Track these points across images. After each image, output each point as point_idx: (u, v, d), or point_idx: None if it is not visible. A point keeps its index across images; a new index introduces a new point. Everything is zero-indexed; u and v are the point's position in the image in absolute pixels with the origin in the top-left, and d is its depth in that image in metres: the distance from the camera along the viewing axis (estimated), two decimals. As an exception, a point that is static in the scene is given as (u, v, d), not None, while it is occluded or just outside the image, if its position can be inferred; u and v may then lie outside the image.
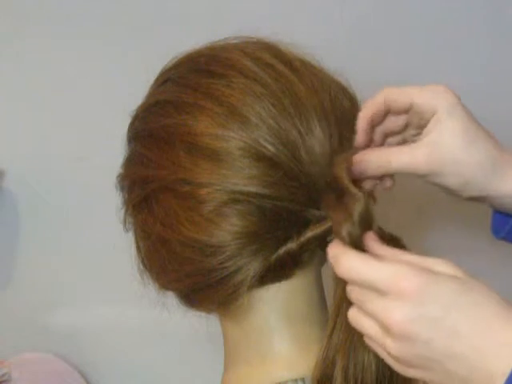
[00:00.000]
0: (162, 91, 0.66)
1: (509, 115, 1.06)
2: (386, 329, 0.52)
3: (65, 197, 1.13)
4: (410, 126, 0.64)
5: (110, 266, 1.01)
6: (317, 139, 0.61)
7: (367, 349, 0.58)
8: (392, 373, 0.58)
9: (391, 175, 0.65)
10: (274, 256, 0.61)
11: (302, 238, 0.60)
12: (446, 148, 0.59)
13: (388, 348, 0.53)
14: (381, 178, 0.64)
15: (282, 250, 0.61)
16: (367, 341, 0.56)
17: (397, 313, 0.51)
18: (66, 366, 1.16)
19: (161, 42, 1.01)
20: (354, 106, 0.65)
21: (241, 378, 0.66)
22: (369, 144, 0.64)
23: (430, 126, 0.60)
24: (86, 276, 1.15)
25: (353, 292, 0.55)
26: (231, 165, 0.59)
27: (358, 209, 0.55)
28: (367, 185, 0.64)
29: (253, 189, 0.59)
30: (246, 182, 0.59)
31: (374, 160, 0.61)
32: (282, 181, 0.60)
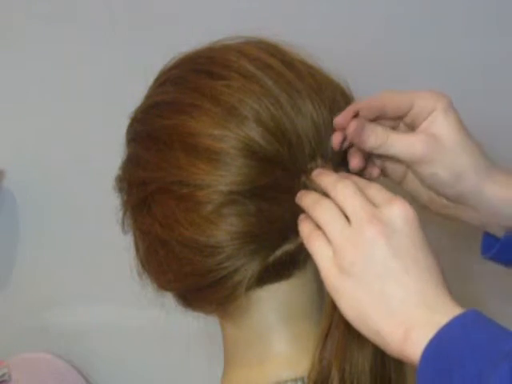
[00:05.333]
0: (161, 92, 0.66)
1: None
2: (364, 227, 0.55)
3: (65, 197, 1.13)
4: (399, 127, 0.66)
5: (109, 267, 1.01)
6: (314, 139, 0.61)
7: (362, 349, 0.59)
8: (386, 373, 0.58)
9: (379, 165, 0.66)
10: (272, 256, 0.61)
11: (300, 239, 0.60)
12: (444, 139, 0.62)
13: (345, 245, 0.55)
14: (369, 166, 0.66)
15: (279, 251, 0.61)
16: (311, 231, 0.58)
17: (384, 219, 0.55)
18: (66, 366, 1.17)
19: (161, 43, 1.00)
20: None
21: (240, 378, 0.66)
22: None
23: (426, 122, 0.63)
24: (85, 276, 1.15)
25: (345, 187, 0.58)
26: (229, 165, 0.59)
27: None
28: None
29: (251, 188, 0.59)
30: (243, 181, 0.59)
31: (374, 131, 0.62)
32: (279, 180, 0.60)
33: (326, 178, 0.60)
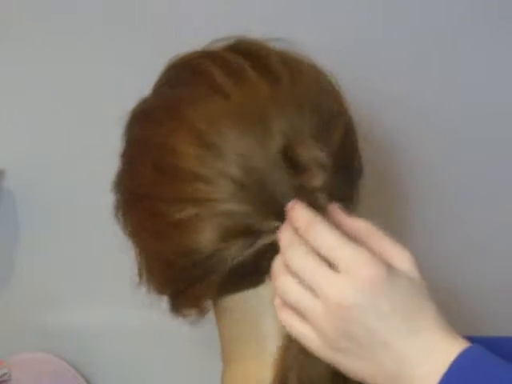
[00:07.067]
0: (144, 102, 0.67)
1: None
2: (334, 307, 0.53)
3: (65, 197, 1.13)
4: None
5: (110, 266, 1.02)
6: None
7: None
8: (346, 381, 0.58)
9: None
10: (228, 269, 0.60)
11: (253, 249, 0.59)
12: None
13: (321, 324, 0.54)
14: None
15: (235, 261, 0.60)
16: (281, 308, 0.56)
17: (350, 295, 0.53)
18: (66, 366, 1.17)
19: (161, 42, 1.01)
20: (340, 114, 0.63)
21: (238, 374, 0.66)
22: None
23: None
24: (85, 276, 1.15)
25: (300, 257, 0.55)
26: (199, 183, 0.59)
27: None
28: None
29: (218, 207, 0.59)
30: (210, 199, 0.59)
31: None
32: (246, 201, 0.59)
33: (283, 237, 0.57)
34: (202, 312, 0.67)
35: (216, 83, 0.61)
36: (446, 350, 0.53)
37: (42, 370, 1.15)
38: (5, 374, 1.09)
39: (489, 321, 1.12)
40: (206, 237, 0.59)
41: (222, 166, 0.58)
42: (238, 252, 0.60)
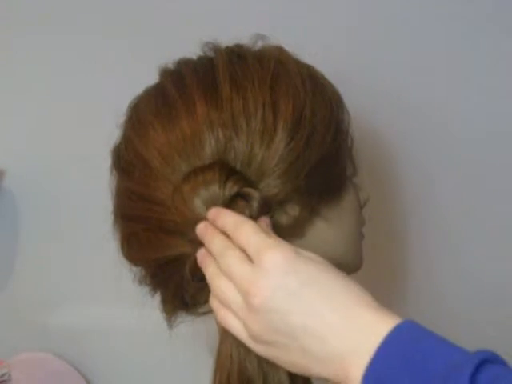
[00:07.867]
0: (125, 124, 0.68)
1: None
2: (249, 297, 0.54)
3: (65, 197, 1.13)
4: None
5: (111, 267, 1.01)
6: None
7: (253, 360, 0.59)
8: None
9: None
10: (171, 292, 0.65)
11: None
12: None
13: (246, 319, 0.55)
14: None
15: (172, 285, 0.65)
16: (218, 308, 0.58)
17: (260, 280, 0.53)
18: (66, 366, 1.17)
19: (160, 42, 1.01)
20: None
21: None
22: None
23: None
24: (85, 276, 1.15)
25: (226, 256, 0.56)
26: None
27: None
28: None
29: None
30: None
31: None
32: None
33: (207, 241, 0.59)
34: (195, 315, 0.67)
35: (169, 104, 0.63)
36: (377, 323, 0.51)
37: (41, 370, 1.15)
38: (5, 373, 1.09)
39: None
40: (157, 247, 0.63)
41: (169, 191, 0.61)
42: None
